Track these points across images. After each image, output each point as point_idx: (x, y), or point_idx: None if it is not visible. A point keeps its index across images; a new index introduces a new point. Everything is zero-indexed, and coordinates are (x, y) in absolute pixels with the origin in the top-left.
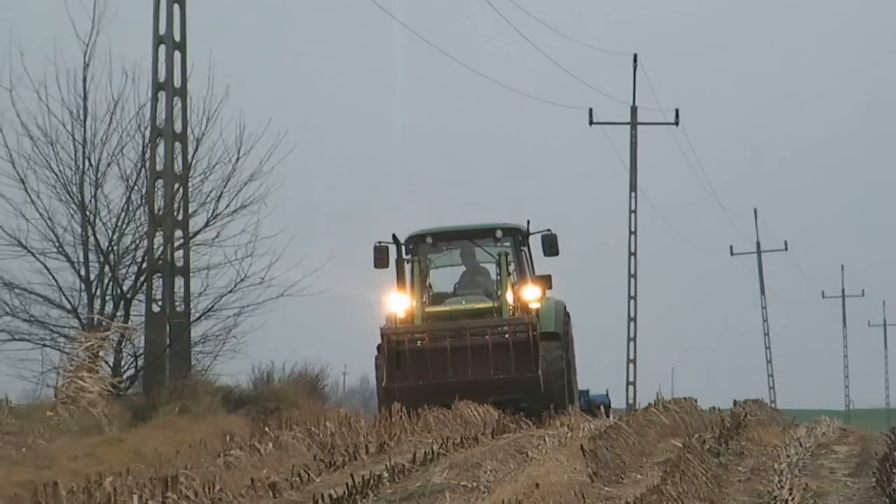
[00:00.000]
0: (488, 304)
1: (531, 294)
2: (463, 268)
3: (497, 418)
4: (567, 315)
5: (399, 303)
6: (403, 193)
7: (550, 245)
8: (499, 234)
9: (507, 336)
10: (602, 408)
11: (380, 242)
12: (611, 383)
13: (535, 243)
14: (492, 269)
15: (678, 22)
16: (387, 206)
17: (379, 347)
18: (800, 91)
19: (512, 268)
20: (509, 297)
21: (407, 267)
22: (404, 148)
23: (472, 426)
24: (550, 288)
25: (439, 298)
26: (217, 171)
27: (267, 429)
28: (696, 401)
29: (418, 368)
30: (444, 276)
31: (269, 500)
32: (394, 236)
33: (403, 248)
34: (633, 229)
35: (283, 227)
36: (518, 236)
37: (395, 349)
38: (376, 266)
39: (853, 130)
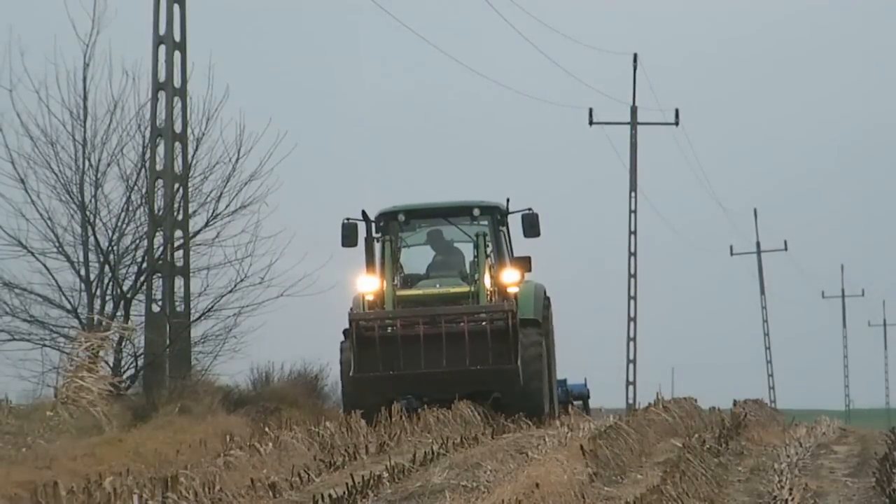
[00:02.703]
0: (464, 289)
1: (510, 278)
2: (437, 248)
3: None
4: (547, 300)
5: (368, 284)
6: (400, 193)
7: (531, 225)
8: (476, 212)
9: (484, 324)
10: (583, 401)
11: (348, 219)
12: (610, 382)
13: (515, 223)
14: (468, 249)
15: (678, 22)
16: (380, 205)
17: (346, 333)
18: (800, 91)
19: (490, 249)
20: (487, 280)
21: (377, 246)
22: (402, 148)
23: (472, 426)
24: (530, 270)
25: (411, 280)
26: (217, 171)
27: (267, 429)
28: (696, 401)
29: (388, 357)
30: (418, 256)
31: (269, 500)
32: (363, 213)
33: (374, 225)
34: (633, 229)
35: (284, 226)
36: (496, 215)
37: (364, 336)
38: (344, 245)
39: (853, 130)
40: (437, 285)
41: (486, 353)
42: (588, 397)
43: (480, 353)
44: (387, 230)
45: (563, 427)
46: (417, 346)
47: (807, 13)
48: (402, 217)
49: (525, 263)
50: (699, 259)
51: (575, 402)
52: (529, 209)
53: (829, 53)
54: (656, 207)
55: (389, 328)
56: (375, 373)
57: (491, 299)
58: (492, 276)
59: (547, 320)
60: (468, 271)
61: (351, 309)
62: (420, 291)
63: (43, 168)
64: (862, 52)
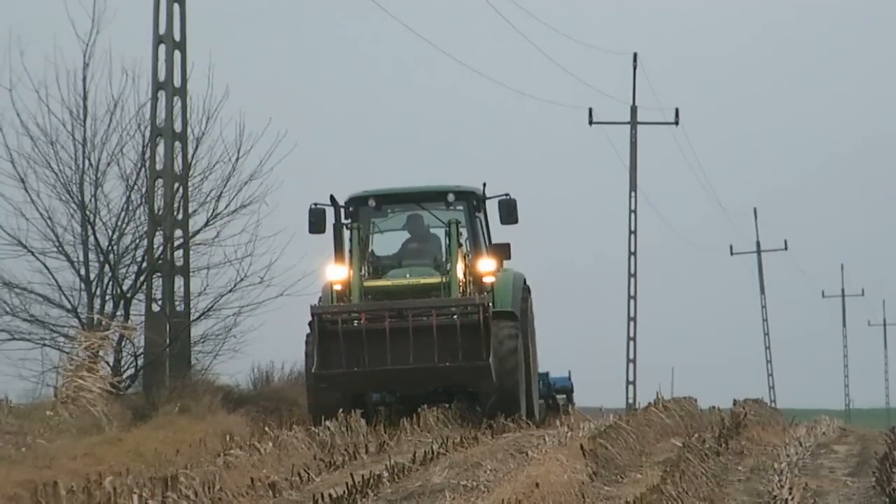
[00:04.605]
0: (436, 280)
1: (486, 267)
2: (412, 233)
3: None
4: (527, 290)
5: (336, 273)
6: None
7: (509, 211)
8: (450, 197)
9: (455, 317)
10: (567, 396)
11: (316, 204)
12: (610, 381)
13: (493, 209)
14: (443, 235)
15: (678, 22)
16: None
17: (311, 326)
18: (800, 91)
19: (465, 237)
20: (460, 271)
21: (346, 233)
22: (400, 147)
23: (472, 426)
24: (509, 258)
25: (383, 269)
26: (217, 170)
27: (267, 429)
28: (696, 400)
29: (353, 353)
30: (391, 242)
31: (269, 499)
32: (331, 198)
33: (343, 211)
34: (633, 229)
35: (284, 226)
36: (473, 201)
37: (328, 330)
38: (311, 231)
39: (854, 130)
40: (408, 275)
41: (455, 348)
42: (572, 391)
43: (450, 348)
44: (357, 216)
45: (563, 427)
46: (383, 340)
47: (807, 14)
48: (372, 202)
49: (504, 251)
50: (699, 259)
51: (558, 397)
52: (507, 194)
53: (830, 53)
54: (656, 207)
55: (355, 321)
56: (339, 369)
57: (464, 291)
58: (467, 266)
59: (525, 312)
60: (443, 259)
61: (319, 299)
62: (389, 282)
63: (43, 167)
64: (863, 52)
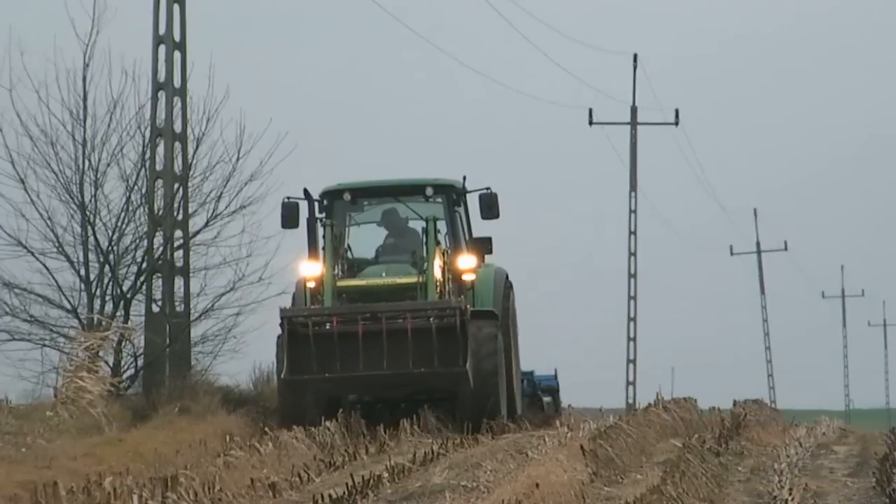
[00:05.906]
0: (412, 279)
1: (466, 264)
2: (390, 228)
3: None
4: (509, 286)
5: (310, 271)
6: None
7: (489, 206)
8: (429, 191)
9: (431, 320)
10: (552, 396)
11: (289, 198)
12: (610, 381)
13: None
14: (421, 229)
15: (678, 22)
16: None
17: (281, 328)
18: (800, 91)
19: (444, 232)
20: (437, 270)
21: (320, 229)
22: (398, 146)
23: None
24: (490, 252)
25: (359, 265)
26: (217, 171)
27: (267, 429)
28: (696, 401)
29: (324, 358)
30: (368, 237)
31: (269, 500)
32: (305, 191)
33: (317, 204)
34: (633, 229)
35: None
36: (452, 194)
37: (298, 333)
38: (284, 226)
39: (854, 130)
40: (384, 273)
41: (431, 353)
42: (558, 391)
43: (425, 353)
44: (331, 210)
45: (563, 427)
46: (356, 345)
47: (808, 14)
48: (347, 196)
49: (485, 245)
50: (699, 259)
51: (543, 397)
52: (488, 188)
53: (830, 53)
54: (656, 207)
55: (326, 324)
56: (310, 375)
57: (443, 290)
58: (445, 263)
59: (507, 310)
60: (421, 255)
61: (293, 295)
62: (363, 282)
63: (43, 168)
64: (863, 51)
